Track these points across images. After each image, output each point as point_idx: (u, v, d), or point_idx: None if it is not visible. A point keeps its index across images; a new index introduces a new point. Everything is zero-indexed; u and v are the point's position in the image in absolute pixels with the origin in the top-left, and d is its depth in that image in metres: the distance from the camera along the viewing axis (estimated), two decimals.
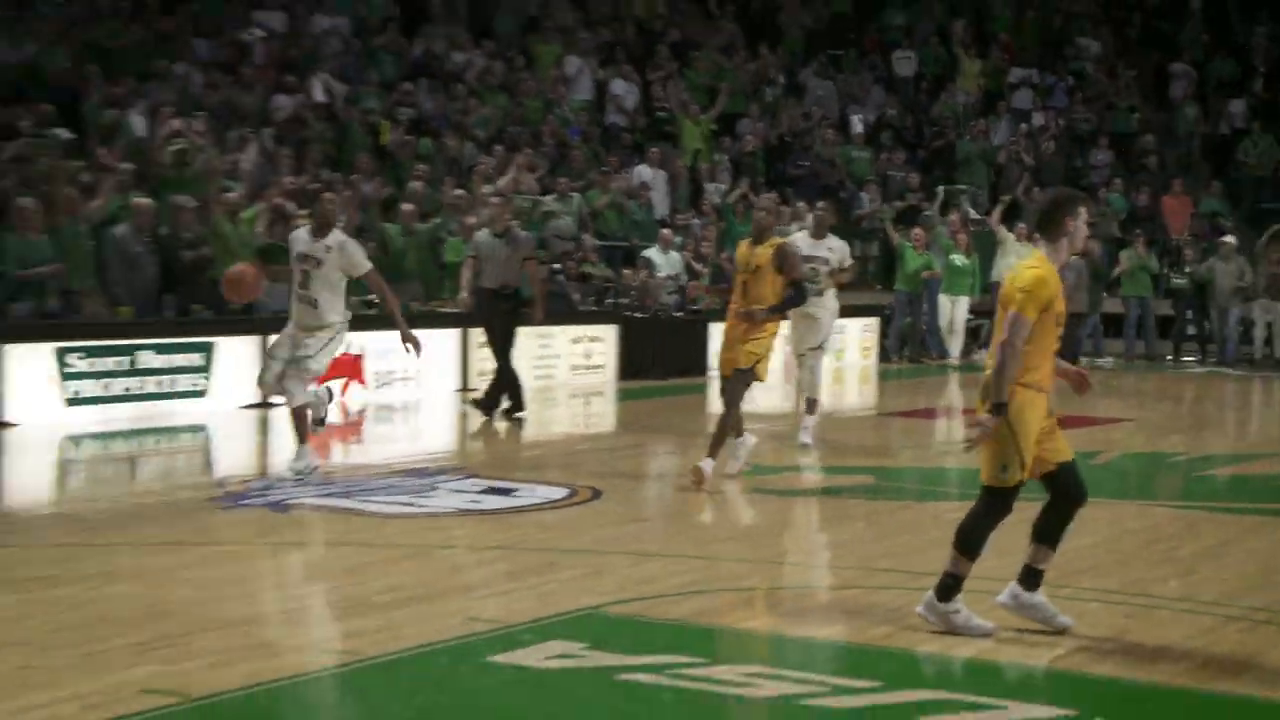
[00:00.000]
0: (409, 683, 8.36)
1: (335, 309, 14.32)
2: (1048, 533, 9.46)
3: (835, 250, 17.05)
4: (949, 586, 9.31)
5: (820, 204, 20.48)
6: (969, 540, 9.34)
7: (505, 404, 19.67)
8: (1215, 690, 8.59)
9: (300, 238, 14.40)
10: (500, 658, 8.60)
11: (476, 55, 30.63)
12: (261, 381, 14.78)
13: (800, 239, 16.35)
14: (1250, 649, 9.52)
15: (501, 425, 19.44)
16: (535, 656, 8.63)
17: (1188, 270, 30.63)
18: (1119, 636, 9.61)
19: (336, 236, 14.37)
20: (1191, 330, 31.13)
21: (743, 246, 15.29)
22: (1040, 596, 9.43)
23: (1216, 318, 30.19)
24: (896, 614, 9.84)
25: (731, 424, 14.61)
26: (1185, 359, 30.17)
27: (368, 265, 14.67)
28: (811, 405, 17.31)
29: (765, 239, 14.93)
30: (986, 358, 9.62)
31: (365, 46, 29.43)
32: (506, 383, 19.68)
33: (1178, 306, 30.79)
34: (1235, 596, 10.82)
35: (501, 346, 19.49)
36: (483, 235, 19.56)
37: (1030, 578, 9.41)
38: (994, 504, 9.39)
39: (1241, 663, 9.21)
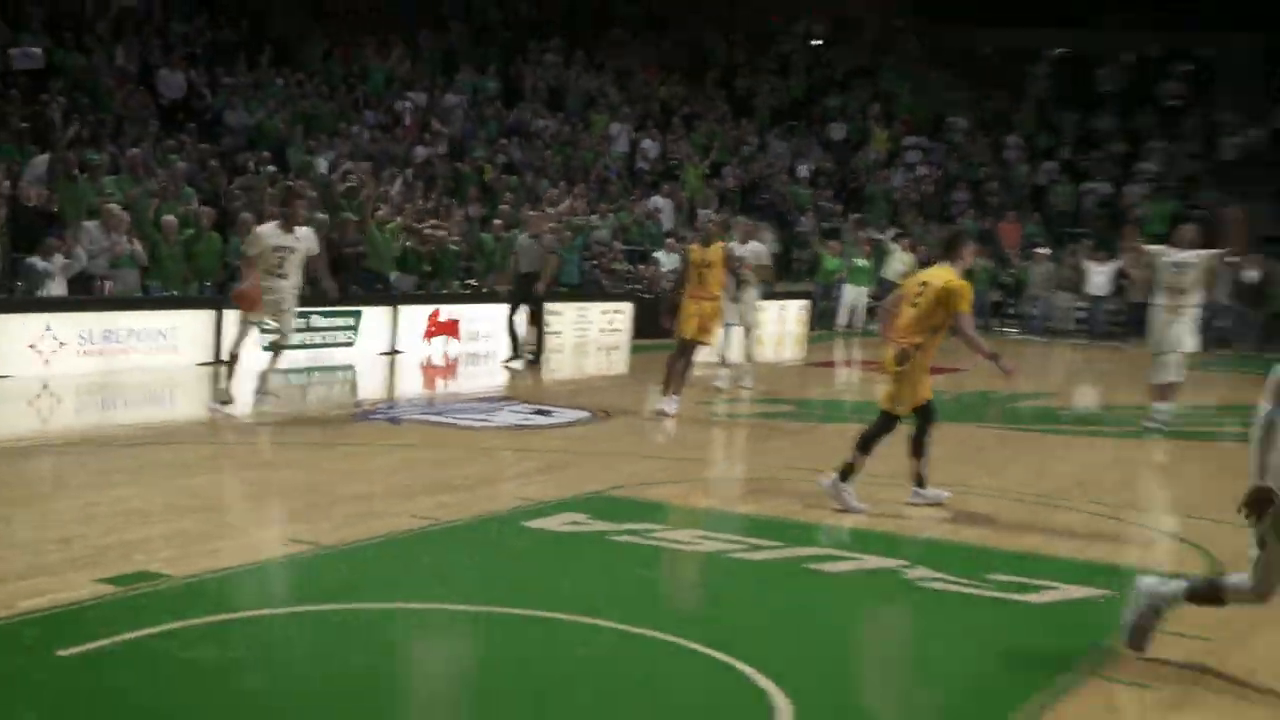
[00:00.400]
0: (471, 540, 8.59)
1: (298, 283, 13.20)
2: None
3: (754, 252, 16.89)
4: (846, 472, 9.59)
5: (740, 218, 20.24)
6: (866, 444, 9.66)
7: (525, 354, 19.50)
8: (1005, 547, 8.76)
9: (270, 232, 12.85)
10: (532, 524, 8.76)
11: (551, 121, 30.61)
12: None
13: (733, 245, 16.15)
14: (1032, 520, 9.74)
15: (542, 364, 19.41)
16: (555, 523, 8.83)
17: (1012, 271, 31.12)
18: (947, 509, 9.79)
19: (303, 230, 13.12)
20: (1011, 310, 31.54)
21: (695, 248, 14.77)
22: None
23: (1028, 302, 30.94)
24: (802, 498, 9.93)
25: (678, 376, 14.21)
26: (1006, 329, 30.21)
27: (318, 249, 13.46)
28: (742, 363, 17.04)
29: (712, 242, 14.67)
30: (886, 329, 10.22)
31: (478, 115, 29.41)
32: (515, 335, 19.50)
33: (1004, 295, 31.36)
34: (1026, 485, 10.98)
35: (534, 311, 19.46)
36: (522, 238, 19.55)
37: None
38: (886, 424, 9.76)
39: (1026, 527, 9.42)
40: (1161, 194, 33.31)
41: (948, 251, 10.20)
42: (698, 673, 6.03)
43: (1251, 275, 29.53)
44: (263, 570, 7.57)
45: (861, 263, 29.15)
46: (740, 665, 5.97)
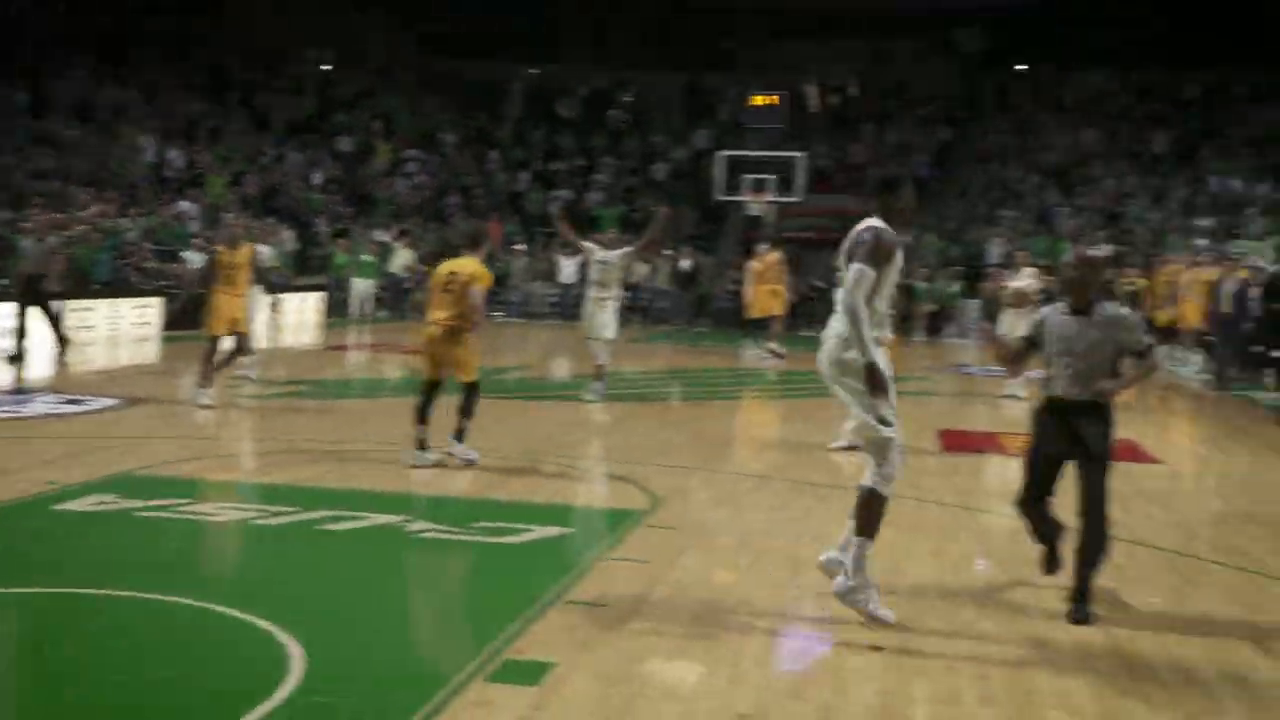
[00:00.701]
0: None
1: None
2: (464, 410, 9.89)
3: (263, 253, 16.28)
4: (422, 441, 9.75)
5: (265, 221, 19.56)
6: (419, 413, 9.82)
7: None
8: (493, 498, 8.64)
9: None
10: (60, 506, 8.00)
11: (80, 132, 28.42)
12: None
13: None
14: (515, 473, 9.60)
15: (66, 358, 17.51)
16: (82, 504, 8.06)
17: (498, 264, 30.87)
18: (443, 469, 9.64)
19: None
20: (497, 298, 31.59)
21: (224, 249, 13.46)
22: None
23: (510, 291, 31.29)
24: (316, 466, 9.60)
25: (211, 369, 12.94)
26: (493, 314, 30.33)
27: None
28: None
29: (239, 245, 13.56)
30: (426, 313, 10.14)
31: (10, 126, 26.98)
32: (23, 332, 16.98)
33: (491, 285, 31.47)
34: (509, 444, 10.91)
35: (45, 309, 17.11)
36: (27, 242, 17.12)
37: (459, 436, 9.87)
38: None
39: (510, 480, 9.29)
40: (612, 201, 34.75)
41: (473, 244, 10.20)
42: (222, 631, 5.67)
43: (685, 264, 31.38)
44: None
45: (368, 259, 28.81)
46: (260, 621, 5.68)
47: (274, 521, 7.79)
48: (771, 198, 30.26)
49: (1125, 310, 6.68)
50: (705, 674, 5.34)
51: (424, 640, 5.88)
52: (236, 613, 5.83)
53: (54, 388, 14.29)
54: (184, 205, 27.47)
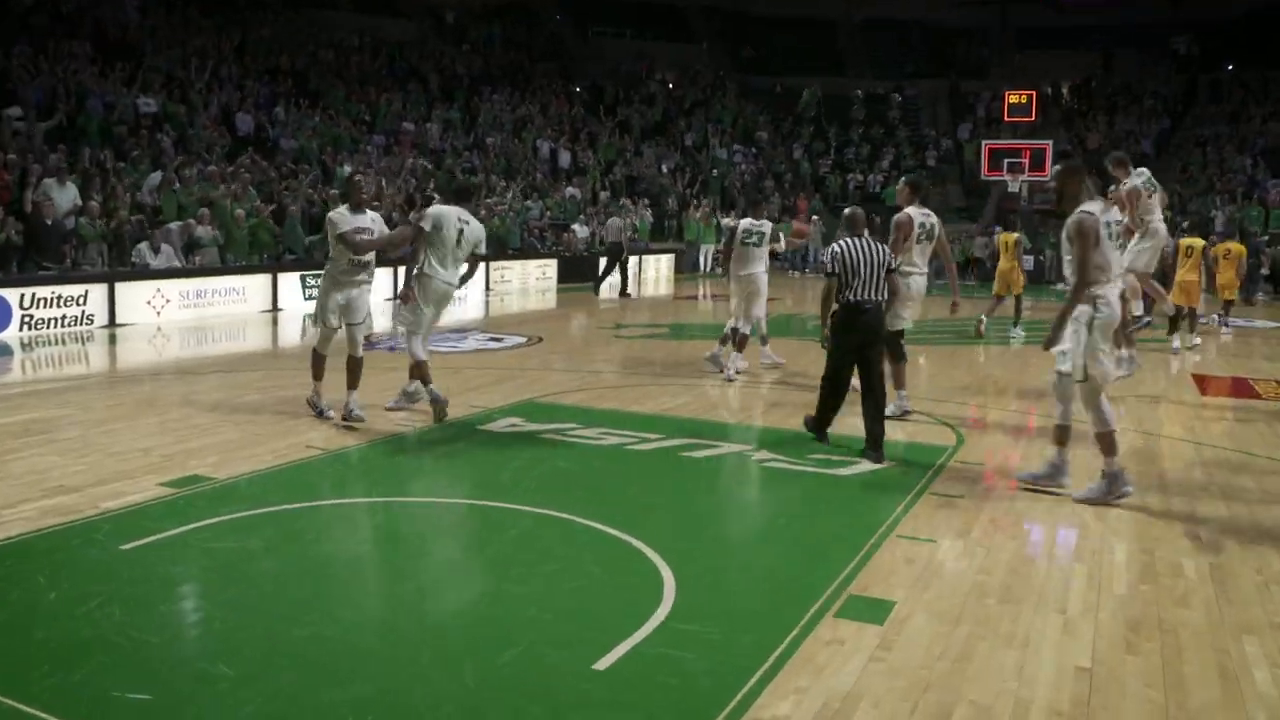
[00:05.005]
0: (441, 438, 7.30)
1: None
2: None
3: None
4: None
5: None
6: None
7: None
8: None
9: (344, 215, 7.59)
10: (482, 427, 7.58)
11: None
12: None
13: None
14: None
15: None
16: (498, 425, 7.63)
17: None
18: (771, 403, 8.66)
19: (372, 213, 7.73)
20: None
21: None
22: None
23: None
24: (678, 398, 8.86)
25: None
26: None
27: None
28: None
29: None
30: None
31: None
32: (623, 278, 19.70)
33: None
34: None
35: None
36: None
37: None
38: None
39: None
40: (892, 182, 32.56)
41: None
42: (611, 550, 4.96)
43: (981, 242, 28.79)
44: (281, 473, 6.35)
45: (707, 228, 27.76)
46: (639, 543, 4.96)
47: (644, 447, 7.08)
48: (1024, 177, 27.59)
49: None
50: (1037, 621, 4.22)
51: (777, 571, 4.91)
52: (621, 534, 5.12)
53: (483, 328, 14.26)
54: (571, 190, 27.45)
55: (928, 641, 3.97)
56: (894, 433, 7.68)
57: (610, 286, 20.05)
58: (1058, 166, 5.92)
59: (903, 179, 8.79)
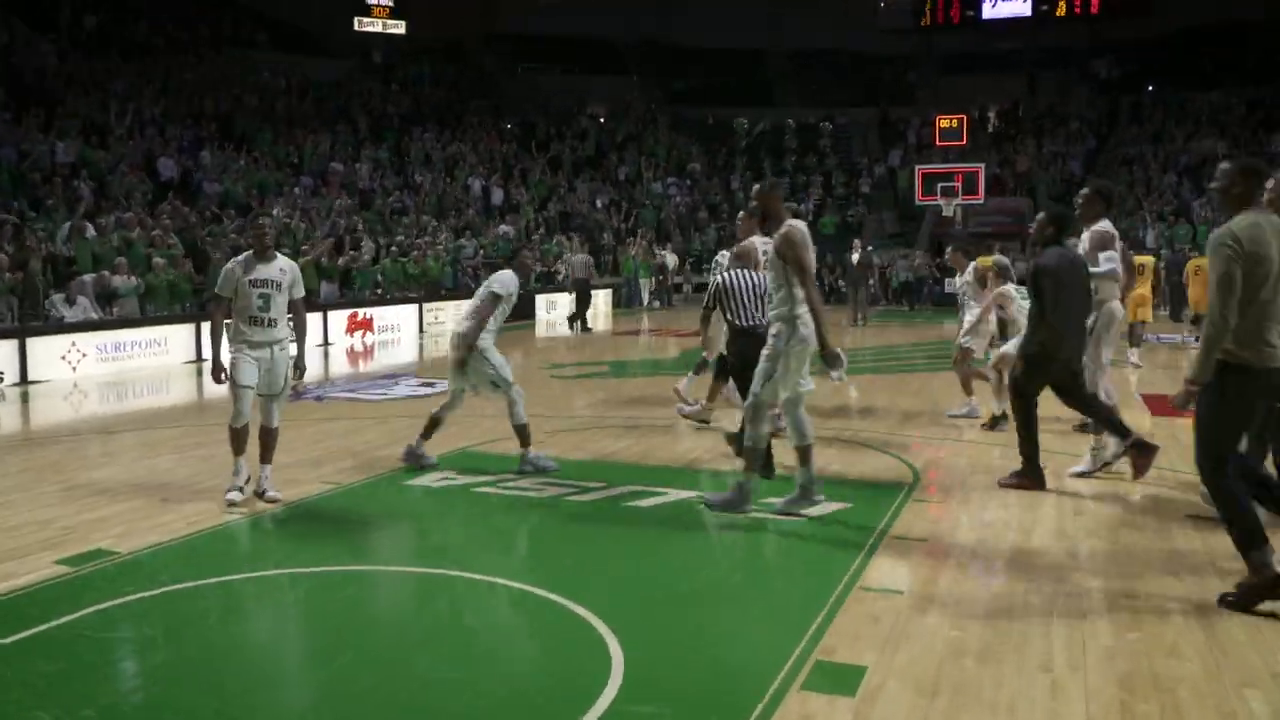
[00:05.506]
0: (369, 495, 6.76)
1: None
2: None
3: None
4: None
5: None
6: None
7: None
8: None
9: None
10: (412, 482, 7.05)
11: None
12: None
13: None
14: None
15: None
16: (430, 480, 7.10)
17: None
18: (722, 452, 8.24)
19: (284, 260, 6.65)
20: None
21: None
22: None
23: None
24: (619, 440, 8.41)
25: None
26: None
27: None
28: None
29: None
30: None
31: None
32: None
33: None
34: None
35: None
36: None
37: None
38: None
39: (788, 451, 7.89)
40: (823, 210, 32.61)
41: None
42: (549, 619, 4.50)
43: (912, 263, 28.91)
44: (191, 544, 5.76)
45: (644, 262, 27.57)
46: (581, 610, 4.49)
47: (585, 498, 6.60)
48: (957, 201, 27.76)
49: None
50: (1021, 684, 3.83)
51: (736, 635, 4.43)
52: (563, 599, 4.64)
53: (415, 373, 13.67)
54: (504, 228, 26.99)
55: (905, 716, 3.55)
56: (850, 468, 7.31)
57: (561, 321, 19.91)
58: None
59: (1084, 189, 7.46)
